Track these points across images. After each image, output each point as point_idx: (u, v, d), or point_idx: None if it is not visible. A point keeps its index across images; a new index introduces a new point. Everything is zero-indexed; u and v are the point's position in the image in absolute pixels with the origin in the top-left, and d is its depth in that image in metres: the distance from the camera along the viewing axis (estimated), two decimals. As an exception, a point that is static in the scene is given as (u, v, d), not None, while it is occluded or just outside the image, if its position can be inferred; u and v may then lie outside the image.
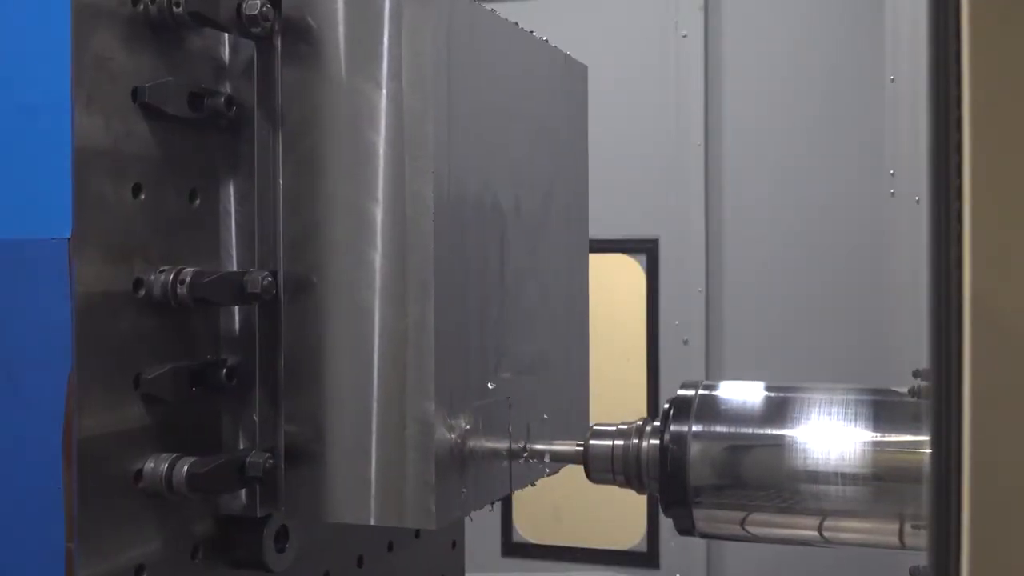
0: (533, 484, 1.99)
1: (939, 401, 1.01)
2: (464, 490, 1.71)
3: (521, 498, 5.38)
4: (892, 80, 4.80)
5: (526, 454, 1.88)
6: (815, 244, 5.28)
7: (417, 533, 2.15)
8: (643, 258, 5.62)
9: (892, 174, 4.80)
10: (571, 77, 2.19)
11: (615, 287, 5.61)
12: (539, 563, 5.72)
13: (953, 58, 0.99)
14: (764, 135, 5.40)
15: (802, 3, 5.38)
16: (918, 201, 4.58)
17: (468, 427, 1.71)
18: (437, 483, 1.60)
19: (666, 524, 5.37)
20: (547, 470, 2.01)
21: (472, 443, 1.72)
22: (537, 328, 2.01)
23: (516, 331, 1.91)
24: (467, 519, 1.92)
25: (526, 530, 5.80)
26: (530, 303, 1.97)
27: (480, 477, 1.77)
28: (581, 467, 1.86)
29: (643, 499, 5.37)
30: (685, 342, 5.49)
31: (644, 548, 5.57)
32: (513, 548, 5.81)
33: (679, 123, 5.49)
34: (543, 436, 1.93)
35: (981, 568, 0.98)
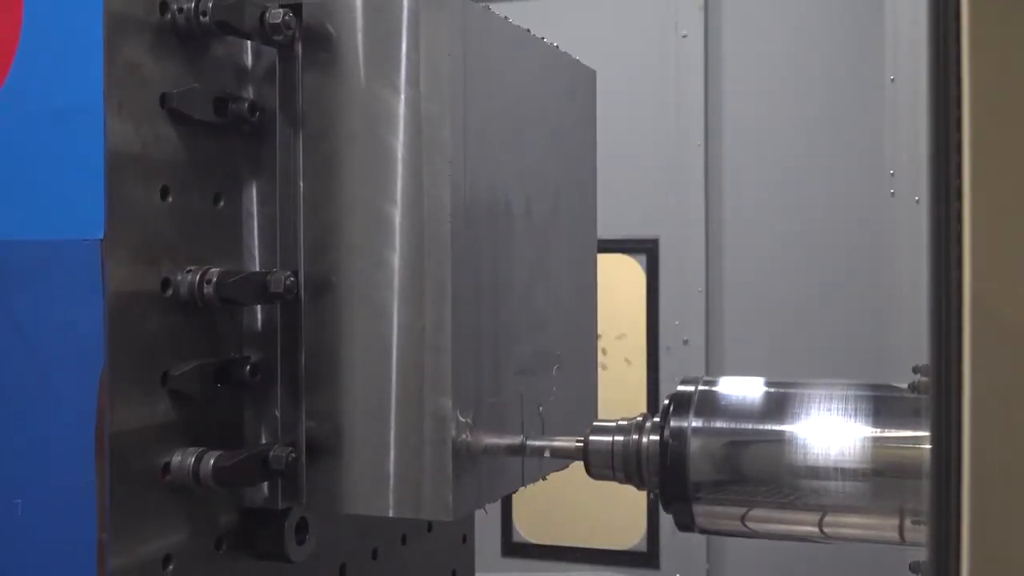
0: (544, 478, 2.03)
1: (939, 401, 1.02)
2: (479, 483, 1.75)
3: (521, 498, 5.39)
4: (892, 80, 4.81)
5: (526, 451, 1.89)
6: (815, 244, 5.28)
7: (429, 527, 2.20)
8: (643, 258, 5.62)
9: (892, 174, 4.82)
10: (580, 82, 2.23)
11: (615, 287, 5.61)
12: (539, 563, 5.72)
13: (953, 58, 0.99)
14: (764, 135, 5.40)
15: (802, 3, 5.38)
16: (918, 201, 4.60)
17: (482, 423, 1.75)
18: (454, 476, 1.65)
19: (666, 524, 5.40)
20: (558, 464, 2.05)
21: (486, 438, 1.77)
22: (547, 327, 2.05)
23: (527, 330, 1.96)
24: (484, 510, 1.95)
25: (526, 530, 5.80)
26: (541, 303, 2.02)
27: (494, 471, 1.82)
28: (580, 468, 1.87)
29: (643, 499, 5.38)
30: (685, 342, 5.48)
31: (644, 548, 5.57)
32: (513, 548, 5.81)
33: (679, 123, 5.49)
34: (552, 432, 1.98)
35: (981, 563, 0.97)
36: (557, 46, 2.10)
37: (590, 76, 2.27)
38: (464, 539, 2.36)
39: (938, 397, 1.02)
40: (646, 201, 5.55)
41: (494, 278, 1.84)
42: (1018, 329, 0.98)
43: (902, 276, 4.60)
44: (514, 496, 4.84)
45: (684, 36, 5.46)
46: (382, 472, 1.68)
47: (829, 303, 5.24)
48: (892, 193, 4.81)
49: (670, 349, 5.51)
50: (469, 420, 1.71)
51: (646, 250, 5.59)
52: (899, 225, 4.73)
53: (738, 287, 5.45)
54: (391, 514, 1.68)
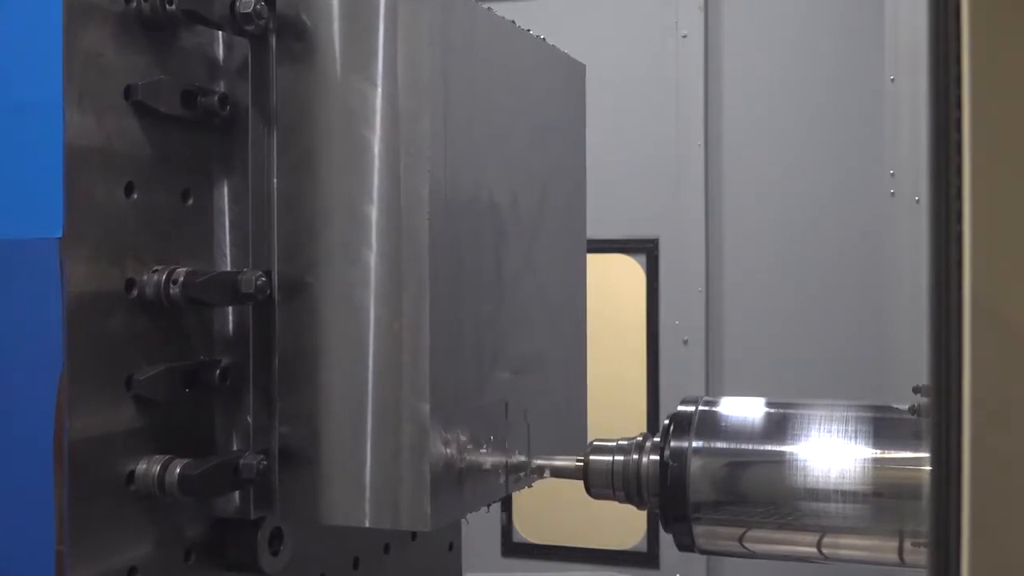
0: (530, 486, 1.98)
1: (939, 401, 1.00)
2: (460, 492, 1.69)
3: (521, 498, 5.37)
4: (892, 80, 4.79)
5: (527, 469, 1.88)
6: (815, 244, 5.27)
7: (414, 535, 2.14)
8: (643, 258, 5.61)
9: (892, 174, 4.79)
10: (569, 75, 2.18)
11: (615, 287, 5.60)
12: (539, 563, 5.70)
13: (953, 58, 0.98)
14: (764, 135, 5.39)
15: (802, 3, 5.37)
16: (918, 201, 4.57)
17: (464, 428, 1.70)
18: (432, 485, 1.59)
19: (666, 525, 5.38)
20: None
21: (468, 445, 1.71)
22: (534, 327, 2.00)
23: (512, 331, 1.90)
24: (464, 520, 1.90)
25: (526, 530, 5.79)
26: (527, 302, 1.96)
27: (476, 479, 1.76)
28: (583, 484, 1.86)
29: (642, 500, 5.39)
30: (685, 342, 5.47)
31: (644, 548, 5.56)
32: (513, 548, 5.79)
33: (679, 123, 5.47)
34: (538, 438, 1.92)
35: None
36: (544, 39, 2.04)
37: (579, 70, 2.21)
38: (451, 547, 2.30)
39: (938, 397, 1.01)
40: (646, 201, 5.54)
41: (477, 276, 1.78)
42: (1018, 329, 0.97)
43: (902, 276, 4.57)
44: (514, 496, 4.81)
45: (684, 36, 5.45)
46: (358, 480, 1.62)
47: (829, 303, 5.23)
48: (892, 193, 4.79)
49: (670, 349, 5.49)
50: (449, 425, 1.65)
51: (646, 250, 5.58)
52: (899, 225, 4.70)
53: (738, 287, 5.44)
54: (367, 524, 1.62)
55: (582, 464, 1.85)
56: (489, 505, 1.84)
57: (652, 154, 5.52)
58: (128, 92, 1.52)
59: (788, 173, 5.34)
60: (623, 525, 5.57)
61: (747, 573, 5.37)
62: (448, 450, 1.64)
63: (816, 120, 5.29)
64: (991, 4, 0.97)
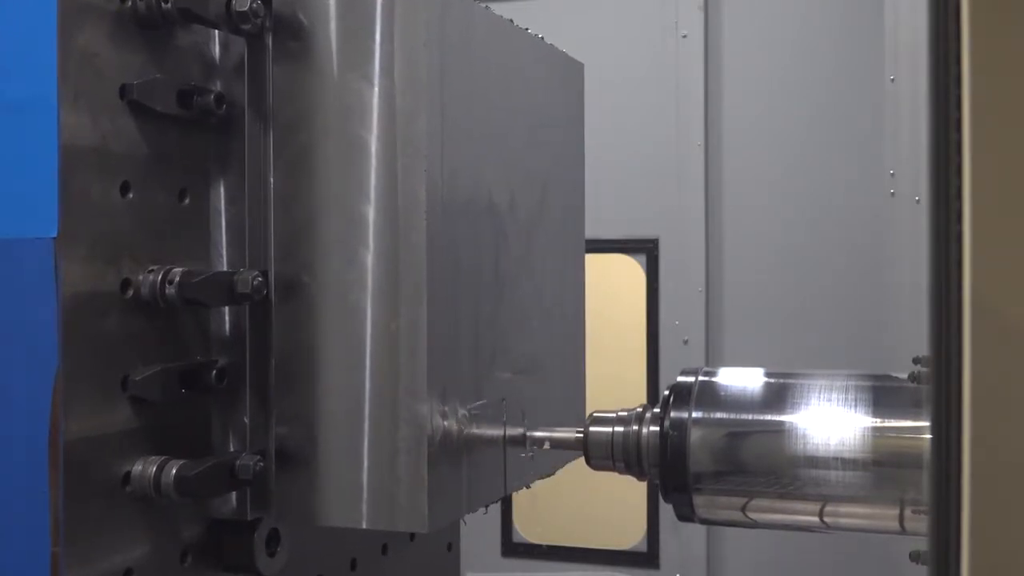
0: (528, 486, 1.97)
1: (939, 401, 1.00)
2: (458, 492, 1.69)
3: (521, 498, 5.36)
4: (892, 80, 4.78)
5: (527, 443, 1.87)
6: (815, 244, 5.27)
7: (412, 536, 2.13)
8: (643, 258, 5.60)
9: (892, 174, 4.79)
10: (567, 74, 2.17)
11: (615, 287, 5.60)
12: (539, 563, 5.70)
13: (953, 58, 0.99)
14: (764, 135, 5.39)
15: (802, 3, 5.37)
16: (918, 201, 4.57)
17: (462, 429, 1.69)
18: (430, 486, 1.58)
19: (666, 524, 5.37)
20: (543, 473, 1.99)
21: (466, 446, 1.70)
22: (532, 328, 1.99)
23: (511, 331, 1.89)
24: (463, 521, 1.89)
25: (526, 530, 5.78)
26: (525, 303, 1.96)
27: (474, 480, 1.75)
28: (579, 468, 1.85)
29: (643, 499, 5.37)
30: (685, 342, 5.47)
31: (644, 548, 5.55)
32: (513, 548, 5.79)
33: (679, 123, 5.47)
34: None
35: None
36: (542, 37, 2.03)
37: (578, 68, 2.21)
38: (449, 547, 2.29)
39: (938, 397, 1.01)
40: (646, 201, 5.54)
41: (475, 276, 1.77)
42: (1018, 329, 0.98)
43: (902, 276, 4.56)
44: (514, 496, 4.81)
45: (684, 36, 5.45)
46: (355, 481, 1.61)
47: (829, 303, 5.23)
48: (892, 193, 4.79)
49: (670, 349, 5.49)
50: (447, 426, 1.64)
51: (646, 250, 5.58)
52: (899, 225, 4.70)
53: (738, 287, 5.44)
54: (364, 526, 1.61)
55: (582, 436, 1.84)
56: (487, 506, 1.83)
57: (652, 154, 5.52)
58: (124, 91, 1.51)
59: (788, 173, 5.34)
60: (623, 525, 5.57)
61: (747, 573, 5.37)
62: (445, 451, 1.64)
63: (816, 120, 5.29)
64: (991, 4, 0.97)
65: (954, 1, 0.98)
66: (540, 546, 5.75)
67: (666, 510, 5.86)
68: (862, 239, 5.12)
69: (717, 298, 5.47)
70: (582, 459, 2.15)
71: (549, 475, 2.02)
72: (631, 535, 5.58)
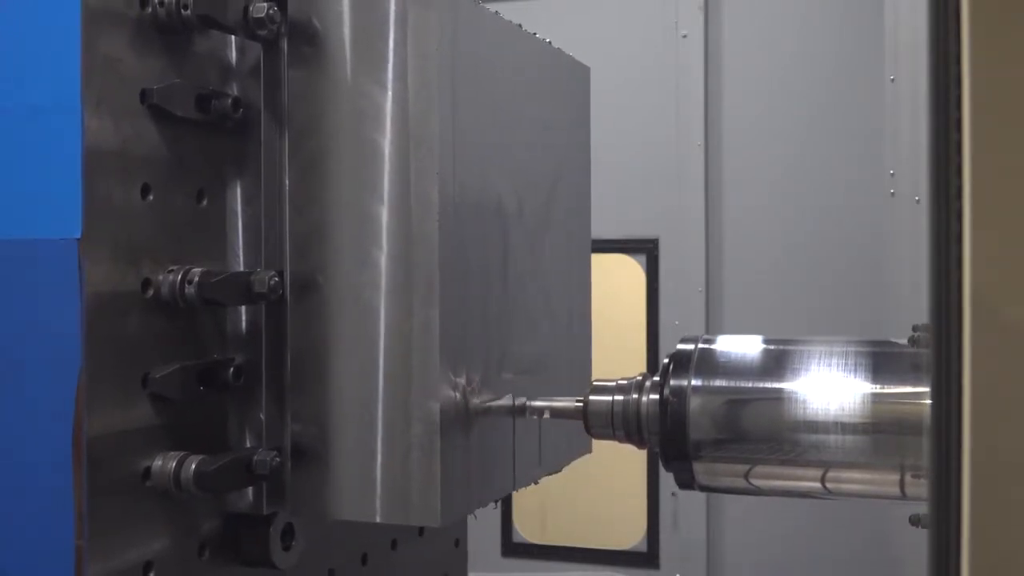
0: (536, 482, 2.00)
1: (939, 401, 1.01)
2: (469, 488, 1.72)
3: (521, 498, 5.38)
4: (892, 80, 4.80)
5: (527, 412, 1.87)
6: (815, 244, 5.28)
7: (421, 531, 2.17)
8: (643, 258, 5.61)
9: (892, 174, 4.81)
10: (574, 78, 2.20)
11: (615, 287, 5.60)
12: (539, 563, 5.71)
13: (953, 58, 0.99)
14: (764, 135, 5.39)
15: (802, 3, 5.38)
16: (918, 201, 4.59)
17: (472, 426, 1.72)
18: (442, 481, 1.61)
19: (666, 524, 5.38)
20: (551, 469, 2.02)
21: (476, 442, 1.74)
22: (539, 328, 2.02)
23: (518, 331, 1.92)
24: (472, 515, 1.92)
25: (526, 530, 5.79)
26: (532, 303, 1.99)
27: (484, 475, 1.78)
28: (580, 468, 1.86)
29: (643, 499, 5.39)
30: (685, 342, 5.47)
31: (644, 548, 5.56)
32: (513, 548, 5.80)
33: (679, 123, 5.48)
34: (545, 431, 1.94)
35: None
36: (550, 42, 2.06)
37: (584, 72, 2.24)
38: (457, 543, 2.33)
39: (938, 397, 1.01)
40: (646, 201, 5.55)
41: (485, 277, 1.80)
42: (1018, 329, 0.98)
43: (902, 276, 4.58)
44: (514, 496, 4.82)
45: (684, 36, 5.46)
46: (369, 477, 1.64)
47: (829, 303, 5.24)
48: (892, 193, 4.80)
49: (670, 349, 5.48)
50: (458, 423, 1.68)
51: (646, 250, 5.59)
52: (899, 225, 4.72)
53: (738, 287, 5.45)
54: (378, 520, 1.64)
55: (582, 405, 1.83)
56: (498, 501, 1.86)
57: (652, 154, 5.53)
58: (144, 96, 1.54)
59: (788, 173, 5.35)
60: (623, 525, 5.58)
61: (748, 572, 5.39)
62: (456, 447, 1.67)
63: (816, 120, 5.30)
64: (991, 4, 0.98)
65: (954, 1, 0.99)
66: (540, 546, 5.76)
67: (666, 510, 5.88)
68: (862, 239, 5.13)
69: (717, 298, 5.48)
70: (586, 457, 2.18)
71: (556, 472, 2.05)
72: (631, 535, 5.59)
